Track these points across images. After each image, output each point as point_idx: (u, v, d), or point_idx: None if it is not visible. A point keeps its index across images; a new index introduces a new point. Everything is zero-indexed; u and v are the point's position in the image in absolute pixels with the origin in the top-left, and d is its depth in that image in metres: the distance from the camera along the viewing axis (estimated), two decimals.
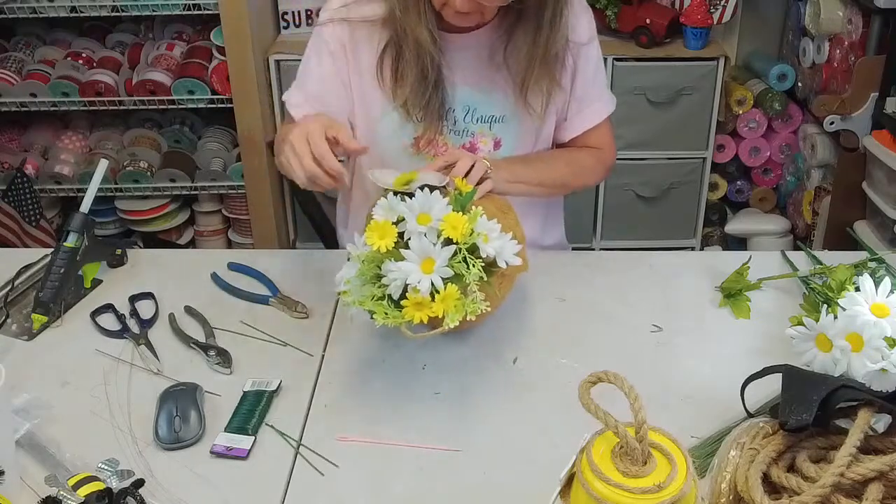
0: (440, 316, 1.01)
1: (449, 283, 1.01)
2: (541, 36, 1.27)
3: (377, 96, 1.37)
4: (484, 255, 1.04)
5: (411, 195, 1.08)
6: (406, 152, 1.40)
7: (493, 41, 1.33)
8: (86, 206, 1.39)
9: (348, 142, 1.15)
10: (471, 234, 1.04)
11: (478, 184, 1.21)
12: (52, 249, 1.38)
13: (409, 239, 1.04)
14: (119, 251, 1.46)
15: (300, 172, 1.13)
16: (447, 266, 1.02)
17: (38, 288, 1.33)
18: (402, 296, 1.03)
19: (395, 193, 1.10)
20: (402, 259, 1.03)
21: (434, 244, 1.02)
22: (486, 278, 1.04)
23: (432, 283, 1.01)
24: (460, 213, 1.05)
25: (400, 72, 1.32)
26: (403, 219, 1.06)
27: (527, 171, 1.37)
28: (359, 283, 1.05)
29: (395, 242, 1.04)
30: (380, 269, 1.04)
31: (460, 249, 1.03)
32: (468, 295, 1.02)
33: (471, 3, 1.20)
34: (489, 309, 1.04)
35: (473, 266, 1.02)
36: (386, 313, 1.03)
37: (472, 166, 1.22)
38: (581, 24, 1.37)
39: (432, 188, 1.10)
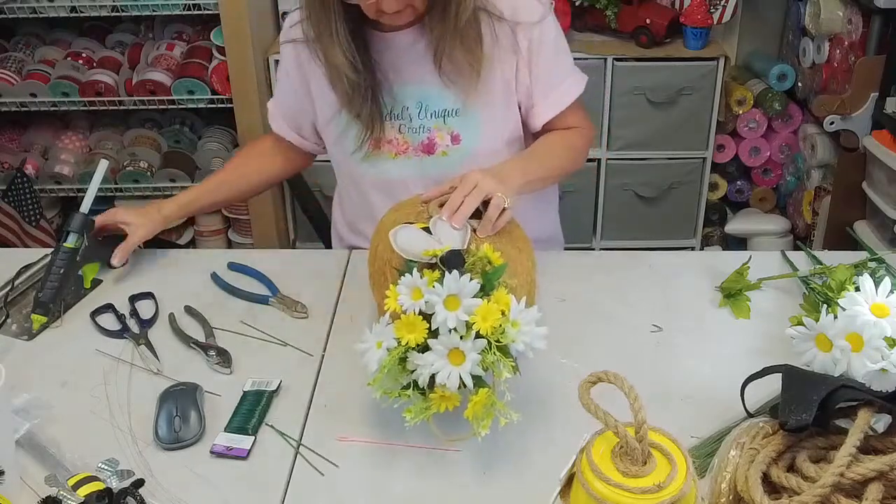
0: (468, 418, 0.98)
1: (480, 384, 0.98)
2: (450, 8, 1.25)
3: (331, 103, 1.40)
4: (514, 353, 1.00)
5: (428, 265, 1.05)
6: (366, 153, 1.41)
7: (427, 35, 1.33)
8: (86, 206, 1.39)
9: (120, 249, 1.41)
10: (503, 333, 0.99)
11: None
12: (52, 249, 1.38)
13: (437, 329, 0.99)
14: None
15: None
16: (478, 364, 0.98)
17: (37, 288, 1.33)
18: (430, 383, 0.99)
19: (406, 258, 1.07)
20: (428, 346, 0.98)
21: (462, 336, 0.98)
22: (518, 374, 1.01)
23: (460, 378, 0.97)
24: (489, 290, 1.01)
25: (335, 87, 1.35)
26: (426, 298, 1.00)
27: (535, 167, 1.36)
28: (383, 374, 1.00)
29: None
30: (405, 353, 1.00)
31: (491, 344, 0.98)
32: (498, 395, 0.99)
33: (398, 1, 1.21)
34: (520, 418, 1.00)
35: (504, 367, 0.98)
36: (414, 409, 1.00)
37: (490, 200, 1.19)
38: (530, 4, 1.35)
39: (456, 258, 1.04)
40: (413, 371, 0.99)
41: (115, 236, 1.44)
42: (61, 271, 1.34)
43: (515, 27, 1.34)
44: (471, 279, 0.99)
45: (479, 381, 0.99)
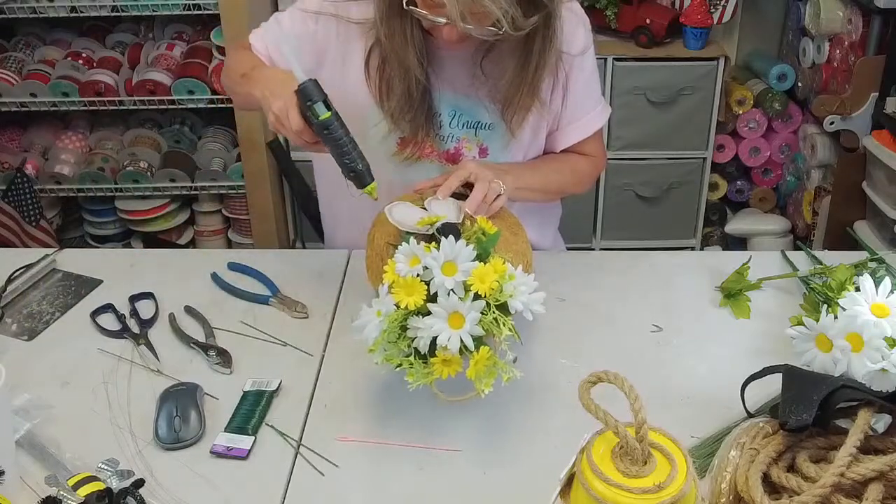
0: (470, 378, 0.99)
1: (481, 345, 0.99)
2: (530, 64, 1.24)
3: (366, 99, 1.34)
4: (513, 312, 1.01)
5: (431, 237, 1.06)
6: (391, 152, 1.39)
7: (479, 50, 1.30)
8: (301, 75, 1.16)
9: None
10: (500, 291, 1.00)
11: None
12: (323, 132, 1.15)
13: (436, 292, 1.00)
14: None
15: (288, 135, 1.18)
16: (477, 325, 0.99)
17: (344, 167, 1.16)
18: (431, 348, 1.00)
19: (403, 230, 1.09)
20: (428, 312, 0.99)
21: (461, 298, 0.99)
22: (519, 339, 1.02)
23: (461, 340, 0.98)
24: (485, 258, 1.03)
25: (386, 84, 1.30)
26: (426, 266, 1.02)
27: (533, 176, 1.37)
28: (383, 340, 1.01)
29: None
30: (405, 320, 1.01)
31: (489, 305, 1.00)
32: (499, 354, 1.00)
33: (459, 36, 1.18)
34: (522, 375, 1.02)
35: (504, 325, 0.99)
36: (415, 373, 1.00)
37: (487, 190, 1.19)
38: (576, 35, 1.34)
39: (451, 227, 1.07)
40: (414, 339, 1.00)
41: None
42: (344, 137, 1.14)
43: (560, 55, 1.31)
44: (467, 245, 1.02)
45: (479, 342, 1.00)
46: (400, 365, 1.01)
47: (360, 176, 1.16)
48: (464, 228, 1.11)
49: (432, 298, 1.00)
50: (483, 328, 0.99)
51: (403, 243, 1.04)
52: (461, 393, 1.04)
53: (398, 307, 1.00)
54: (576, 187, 1.48)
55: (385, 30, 1.25)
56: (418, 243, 1.03)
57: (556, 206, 1.59)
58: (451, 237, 1.02)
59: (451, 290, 0.99)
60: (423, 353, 1.01)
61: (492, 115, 1.35)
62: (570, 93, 1.37)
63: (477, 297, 0.99)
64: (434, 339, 0.98)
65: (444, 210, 1.15)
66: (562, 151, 1.44)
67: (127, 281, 1.41)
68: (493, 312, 1.00)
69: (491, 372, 1.00)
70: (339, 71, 1.35)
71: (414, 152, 1.37)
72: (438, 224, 1.09)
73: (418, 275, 1.01)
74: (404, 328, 1.01)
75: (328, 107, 1.14)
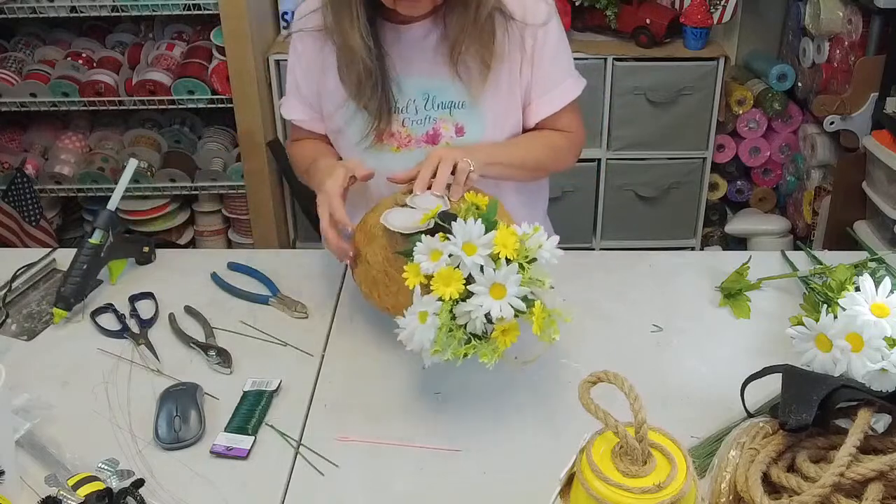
0: (538, 334, 1.03)
1: (534, 301, 1.02)
2: (470, 4, 1.28)
3: (337, 91, 1.39)
4: (542, 262, 1.05)
5: (429, 232, 1.08)
6: (367, 141, 1.40)
7: (440, 28, 1.34)
8: (113, 203, 1.39)
9: (357, 170, 1.28)
10: (527, 249, 1.04)
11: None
12: (77, 245, 1.37)
13: (469, 274, 1.02)
14: (146, 248, 1.45)
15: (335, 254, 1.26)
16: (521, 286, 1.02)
17: (60, 282, 1.33)
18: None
19: (407, 234, 1.11)
20: (469, 294, 1.02)
21: (494, 269, 1.02)
22: (553, 286, 1.05)
23: (512, 306, 1.01)
24: (492, 227, 1.06)
25: (344, 72, 1.36)
26: (442, 253, 1.04)
27: (504, 152, 1.38)
28: (443, 336, 1.03)
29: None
30: (451, 310, 1.03)
31: (521, 265, 1.03)
32: (549, 303, 1.03)
33: None
34: (573, 315, 1.07)
35: (542, 276, 1.04)
36: (486, 352, 1.03)
37: (456, 167, 1.22)
38: (538, 8, 1.37)
39: (450, 214, 1.09)
40: (467, 323, 1.02)
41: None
42: (84, 267, 1.33)
43: (524, 28, 1.35)
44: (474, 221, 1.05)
45: (528, 302, 1.03)
46: (466, 354, 1.03)
47: (62, 297, 1.31)
48: (456, 210, 1.12)
49: (467, 282, 1.02)
50: (525, 286, 1.02)
51: (417, 243, 1.05)
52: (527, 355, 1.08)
53: (443, 300, 1.01)
54: (556, 164, 1.47)
55: (332, 15, 1.31)
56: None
57: (542, 187, 1.59)
58: (459, 220, 1.05)
59: (482, 266, 1.02)
60: (479, 333, 1.03)
61: (463, 93, 1.37)
62: (538, 64, 1.39)
63: (507, 262, 1.02)
64: (486, 316, 1.01)
65: (430, 202, 1.16)
66: (539, 128, 1.45)
67: (127, 281, 1.41)
68: (528, 268, 1.03)
69: (551, 321, 1.03)
70: (322, 74, 1.41)
71: (392, 143, 1.40)
72: (437, 213, 1.10)
73: (446, 265, 1.03)
74: (453, 318, 1.03)
75: (104, 236, 1.36)
